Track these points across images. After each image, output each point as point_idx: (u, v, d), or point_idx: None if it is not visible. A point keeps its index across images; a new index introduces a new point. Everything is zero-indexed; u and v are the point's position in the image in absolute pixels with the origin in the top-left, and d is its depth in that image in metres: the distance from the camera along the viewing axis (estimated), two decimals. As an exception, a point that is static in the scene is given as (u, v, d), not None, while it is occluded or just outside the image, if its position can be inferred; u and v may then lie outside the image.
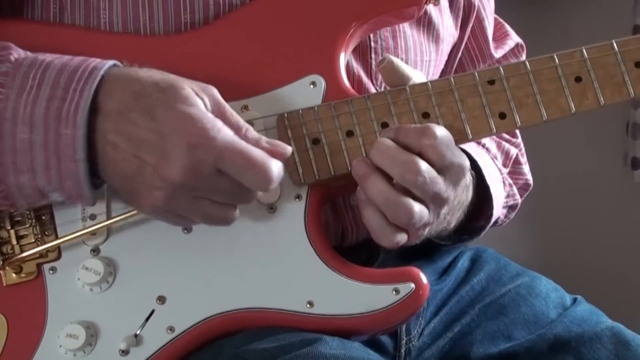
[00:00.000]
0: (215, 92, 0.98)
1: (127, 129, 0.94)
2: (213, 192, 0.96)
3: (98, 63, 0.97)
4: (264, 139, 0.98)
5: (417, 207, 1.01)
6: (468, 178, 1.14)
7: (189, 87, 0.96)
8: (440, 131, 1.02)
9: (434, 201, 1.03)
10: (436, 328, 1.21)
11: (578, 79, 1.07)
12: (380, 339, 1.16)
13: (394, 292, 1.04)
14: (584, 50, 1.08)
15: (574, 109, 1.07)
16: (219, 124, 0.94)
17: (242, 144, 0.95)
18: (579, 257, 2.77)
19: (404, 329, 1.18)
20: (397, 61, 1.08)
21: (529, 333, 1.21)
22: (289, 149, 0.99)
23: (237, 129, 0.97)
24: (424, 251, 1.27)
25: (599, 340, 1.17)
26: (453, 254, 1.31)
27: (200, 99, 0.95)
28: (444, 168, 1.02)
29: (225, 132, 0.94)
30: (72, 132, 0.94)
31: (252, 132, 0.98)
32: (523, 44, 1.48)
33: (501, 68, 1.07)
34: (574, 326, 1.20)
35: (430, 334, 1.21)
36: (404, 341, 1.18)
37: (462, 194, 1.13)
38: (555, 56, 1.08)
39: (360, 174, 1.02)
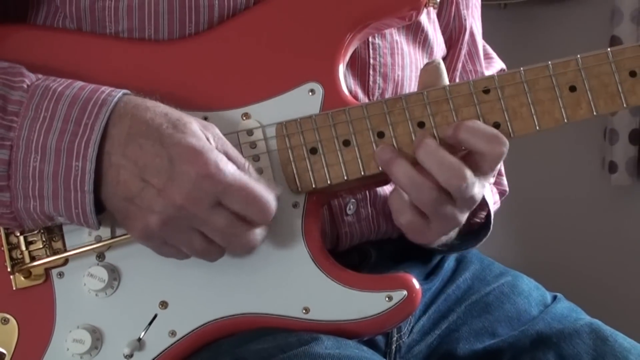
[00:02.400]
0: (217, 130, 0.98)
1: (135, 153, 0.94)
2: (206, 225, 0.95)
3: (107, 95, 0.96)
4: (262, 178, 0.98)
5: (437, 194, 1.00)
6: None
7: (195, 123, 0.95)
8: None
9: (467, 204, 1.02)
10: (425, 325, 1.20)
11: (572, 89, 1.03)
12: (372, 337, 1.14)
13: (387, 299, 1.02)
14: (579, 59, 1.04)
15: (567, 119, 1.04)
16: (225, 159, 0.94)
17: (246, 179, 0.95)
18: (558, 256, 2.79)
19: (395, 328, 1.16)
20: (443, 67, 1.05)
21: (512, 329, 1.20)
22: (279, 191, 0.98)
23: (240, 166, 0.96)
24: (413, 253, 1.26)
25: (578, 335, 1.16)
26: (439, 254, 1.30)
27: (204, 135, 0.95)
28: (488, 177, 1.03)
29: (231, 167, 0.94)
30: (82, 165, 0.94)
31: (252, 170, 0.98)
32: (505, 69, 1.45)
33: (496, 77, 1.04)
34: (555, 322, 1.20)
35: (419, 331, 1.20)
36: (394, 338, 1.17)
37: None
38: (550, 65, 1.04)
39: (386, 159, 1.01)
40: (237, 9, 1.05)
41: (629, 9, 2.47)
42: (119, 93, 0.97)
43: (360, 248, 1.18)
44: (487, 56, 1.43)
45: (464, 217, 1.09)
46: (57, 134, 0.95)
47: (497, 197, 1.38)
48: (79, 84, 0.98)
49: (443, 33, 1.29)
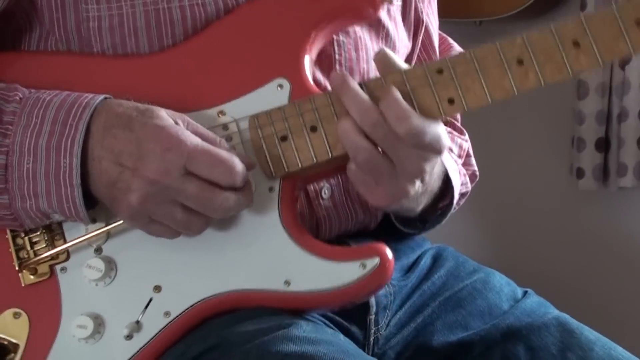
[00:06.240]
0: (187, 117, 1.03)
1: (110, 143, 1.00)
2: (181, 194, 0.99)
3: (90, 99, 1.03)
4: (236, 150, 1.04)
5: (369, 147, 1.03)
6: (440, 169, 1.19)
7: (163, 110, 1.02)
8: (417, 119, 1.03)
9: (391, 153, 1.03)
10: (401, 319, 1.23)
11: (520, 62, 1.05)
12: (350, 329, 1.18)
13: (361, 267, 1.06)
14: (525, 36, 1.06)
15: (516, 90, 1.05)
16: (187, 132, 1.00)
17: (208, 145, 1.00)
18: (530, 254, 2.81)
19: (372, 321, 1.20)
20: (389, 53, 1.08)
21: (484, 323, 1.24)
22: (254, 163, 1.04)
23: (212, 141, 1.02)
24: (391, 248, 1.30)
25: (546, 328, 1.20)
26: (417, 252, 1.33)
27: (173, 119, 1.01)
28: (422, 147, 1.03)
29: (193, 138, 1.00)
30: (69, 161, 1.01)
31: (225, 143, 1.03)
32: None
33: (447, 59, 1.06)
34: (524, 317, 1.23)
35: (396, 325, 1.23)
36: (372, 331, 1.20)
37: (435, 182, 1.18)
38: (498, 44, 1.06)
39: (338, 83, 1.05)
40: (208, 20, 1.10)
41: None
42: (101, 97, 1.03)
43: (340, 240, 1.22)
44: (447, 47, 1.47)
45: (422, 196, 1.15)
46: (46, 136, 1.02)
47: (466, 179, 1.40)
48: (66, 92, 1.05)
49: (408, 29, 1.33)
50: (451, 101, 1.06)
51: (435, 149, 1.05)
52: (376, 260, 1.06)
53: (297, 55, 1.10)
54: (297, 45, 1.10)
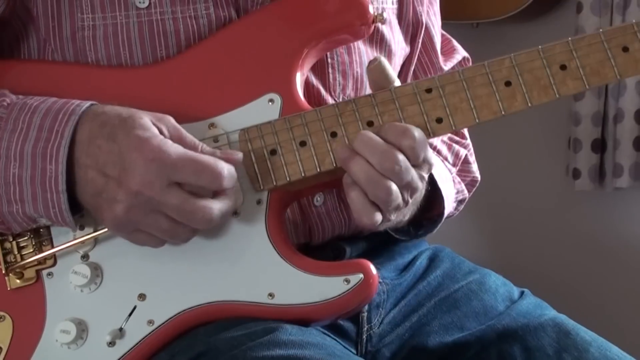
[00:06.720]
0: (171, 120, 1.03)
1: (95, 153, 1.00)
2: (163, 205, 0.99)
3: (76, 106, 1.02)
4: (217, 151, 1.03)
5: (394, 187, 1.03)
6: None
7: (146, 117, 1.01)
8: (418, 133, 1.04)
9: (406, 188, 1.05)
10: (396, 317, 1.23)
11: (508, 84, 1.06)
12: (343, 326, 1.18)
13: (344, 282, 1.05)
14: (513, 57, 1.07)
15: (504, 111, 1.06)
16: (170, 142, 0.99)
17: (191, 153, 1.00)
18: (526, 254, 2.83)
19: (365, 318, 1.20)
20: (386, 63, 1.08)
21: (479, 324, 1.23)
22: (240, 155, 1.03)
23: (193, 147, 1.01)
24: (386, 250, 1.29)
25: (542, 329, 1.19)
26: (413, 252, 1.32)
27: (156, 127, 1.00)
28: (417, 165, 1.05)
29: (175, 147, 0.99)
30: (55, 167, 1.00)
31: (206, 148, 1.02)
32: (469, 57, 1.47)
33: (437, 77, 1.07)
34: (520, 317, 1.22)
35: (390, 323, 1.22)
36: (365, 328, 1.20)
37: (419, 194, 1.15)
38: (486, 64, 1.07)
39: (344, 157, 1.04)
40: (201, 33, 1.10)
41: (592, 28, 2.53)
42: (87, 104, 1.03)
43: (335, 245, 1.21)
44: (451, 49, 1.46)
45: (408, 209, 1.15)
46: (32, 142, 1.01)
47: (462, 186, 1.40)
48: (53, 98, 1.04)
49: (405, 32, 1.31)
50: (439, 120, 1.07)
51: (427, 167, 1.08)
52: (360, 276, 1.06)
53: (289, 72, 1.10)
54: (289, 61, 1.10)
